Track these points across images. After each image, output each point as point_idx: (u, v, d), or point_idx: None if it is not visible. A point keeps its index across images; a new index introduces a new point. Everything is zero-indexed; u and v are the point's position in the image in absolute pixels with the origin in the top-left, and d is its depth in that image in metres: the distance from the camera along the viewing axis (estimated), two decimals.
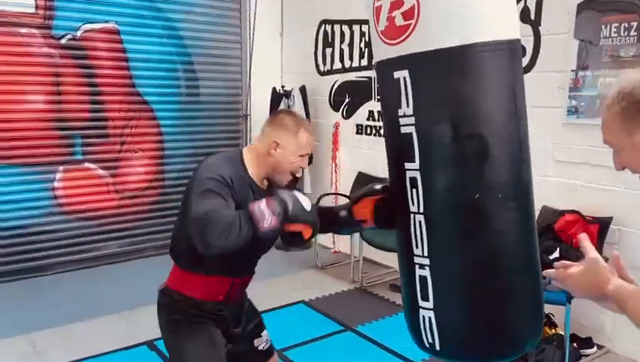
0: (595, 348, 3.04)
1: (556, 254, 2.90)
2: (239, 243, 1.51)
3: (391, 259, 4.21)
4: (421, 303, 1.71)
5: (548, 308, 2.97)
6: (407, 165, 1.68)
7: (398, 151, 1.74)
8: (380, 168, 4.32)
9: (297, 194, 1.64)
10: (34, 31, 4.02)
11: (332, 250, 4.81)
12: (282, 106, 4.72)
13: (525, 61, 3.32)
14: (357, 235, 4.04)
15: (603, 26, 2.96)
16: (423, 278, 1.70)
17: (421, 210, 1.67)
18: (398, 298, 3.76)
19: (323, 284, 4.05)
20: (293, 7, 5.15)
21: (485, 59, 1.59)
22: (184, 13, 4.64)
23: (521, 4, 3.30)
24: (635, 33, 2.83)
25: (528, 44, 3.30)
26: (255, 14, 4.90)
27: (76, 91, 4.24)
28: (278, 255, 4.87)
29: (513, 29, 1.63)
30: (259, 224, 1.49)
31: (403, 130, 1.68)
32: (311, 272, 4.35)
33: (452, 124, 1.62)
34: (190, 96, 4.82)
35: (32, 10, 4.00)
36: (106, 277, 4.19)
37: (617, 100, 1.11)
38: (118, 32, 4.32)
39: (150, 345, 3.08)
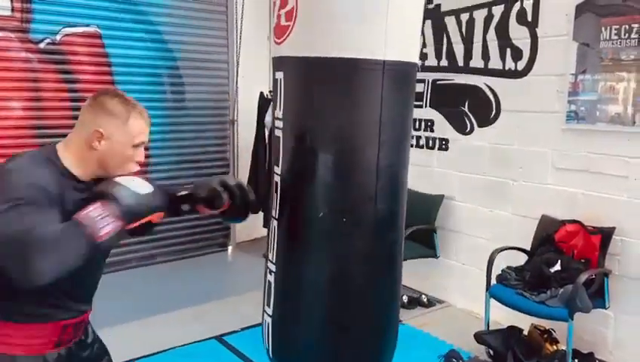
0: None
1: (557, 267, 2.78)
2: (74, 264, 1.16)
3: None
4: (265, 308, 1.72)
5: (549, 324, 2.88)
6: (275, 169, 1.67)
7: (273, 152, 1.72)
8: None
9: (127, 181, 1.31)
10: (10, 35, 3.84)
11: None
12: (270, 111, 4.58)
13: (522, 64, 3.22)
14: None
15: (603, 29, 2.85)
16: (269, 283, 1.70)
17: (276, 216, 1.66)
18: None
19: None
20: None
21: (353, 76, 1.50)
22: (168, 16, 4.49)
23: (518, 5, 3.19)
24: (636, 36, 2.72)
25: (525, 47, 3.19)
26: (242, 18, 4.76)
27: (57, 97, 4.08)
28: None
29: (391, 50, 1.50)
30: (96, 235, 1.17)
31: (276, 132, 1.66)
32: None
33: (308, 137, 1.56)
34: (175, 102, 4.66)
35: (9, 13, 3.82)
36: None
37: None
38: (99, 36, 4.16)
39: None
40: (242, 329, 3.33)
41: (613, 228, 2.84)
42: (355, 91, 1.51)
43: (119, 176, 1.35)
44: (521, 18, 3.19)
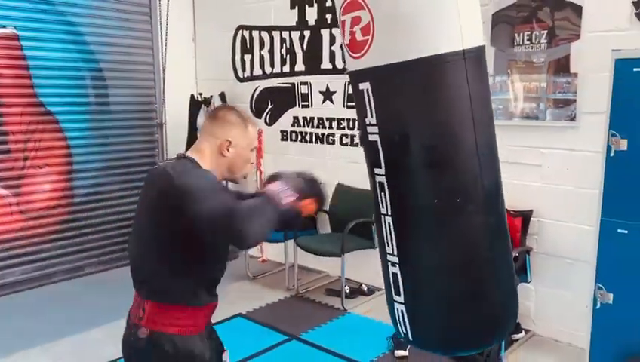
0: (523, 333, 3.29)
1: None
2: (269, 228, 1.44)
3: (324, 264, 4.25)
4: (395, 297, 1.83)
5: None
6: (376, 170, 1.76)
7: (369, 156, 1.80)
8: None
9: (288, 173, 1.67)
10: None
11: (259, 259, 4.73)
12: (202, 114, 4.57)
13: None
14: (290, 243, 4.02)
15: (516, 35, 3.22)
16: (394, 275, 1.81)
17: (389, 213, 1.75)
18: (335, 302, 3.80)
19: (258, 295, 3.98)
20: (205, 13, 5.01)
21: (438, 72, 1.63)
22: (90, 17, 4.33)
23: None
24: (545, 41, 3.11)
25: None
26: (167, 21, 4.69)
27: None
28: None
29: (467, 37, 1.63)
30: (280, 203, 1.47)
31: (370, 137, 1.75)
32: (243, 283, 4.25)
33: (409, 135, 1.68)
34: (100, 106, 4.51)
35: None
36: (10, 308, 3.77)
37: None
38: (17, 38, 3.93)
39: None
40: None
41: (531, 210, 3.23)
42: (443, 85, 1.63)
43: (240, 176, 1.69)
44: None
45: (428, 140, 1.67)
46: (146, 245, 1.57)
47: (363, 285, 3.96)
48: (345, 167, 4.06)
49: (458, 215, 1.72)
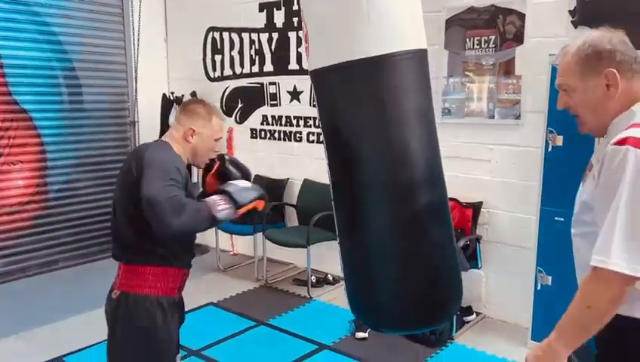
0: (474, 315, 3.55)
1: None
2: (193, 228, 1.71)
3: (291, 256, 4.46)
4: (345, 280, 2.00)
5: None
6: (328, 167, 1.94)
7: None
8: (276, 170, 4.53)
9: (236, 182, 1.86)
10: None
11: (231, 253, 4.90)
12: (174, 112, 4.72)
13: None
14: (259, 236, 4.21)
15: (467, 40, 3.47)
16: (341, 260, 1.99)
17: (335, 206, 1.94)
18: (302, 291, 4.00)
19: (228, 285, 4.15)
20: (177, 14, 5.16)
21: (353, 76, 1.77)
22: (63, 17, 4.44)
23: None
24: (494, 45, 3.37)
25: None
26: (140, 21, 4.82)
27: None
28: None
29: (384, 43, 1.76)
30: (214, 213, 1.68)
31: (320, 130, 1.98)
32: (214, 275, 4.42)
33: (332, 131, 1.89)
34: (73, 104, 4.61)
35: None
36: None
37: (584, 49, 1.33)
38: None
39: None
40: None
41: (481, 202, 3.49)
42: (353, 89, 1.78)
43: (201, 162, 1.91)
44: None
45: (344, 137, 1.83)
46: (118, 206, 1.78)
47: (328, 275, 4.18)
48: (311, 163, 4.27)
49: (375, 208, 1.83)
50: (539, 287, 3.08)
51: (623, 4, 2.76)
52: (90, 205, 4.77)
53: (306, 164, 4.33)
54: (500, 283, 3.52)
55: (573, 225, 1.47)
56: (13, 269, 4.35)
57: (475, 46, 3.45)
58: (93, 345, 3.15)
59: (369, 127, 1.80)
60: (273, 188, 4.42)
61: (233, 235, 4.75)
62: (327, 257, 4.23)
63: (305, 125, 4.36)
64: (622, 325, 1.28)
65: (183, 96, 4.81)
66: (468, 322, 3.49)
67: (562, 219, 2.94)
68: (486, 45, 3.40)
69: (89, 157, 4.74)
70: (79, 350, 3.10)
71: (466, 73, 3.52)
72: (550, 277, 3.03)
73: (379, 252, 1.86)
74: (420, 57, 1.86)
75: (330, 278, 4.15)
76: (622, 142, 1.23)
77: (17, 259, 4.38)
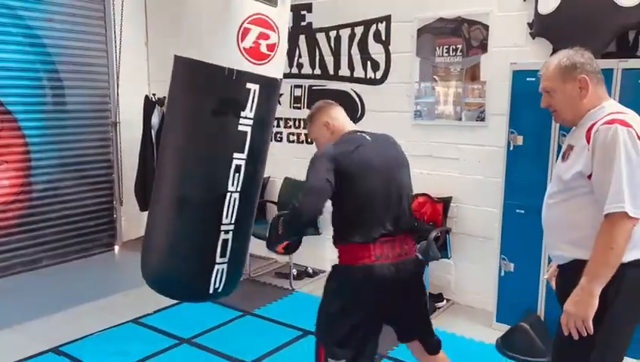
0: (444, 301, 3.84)
1: None
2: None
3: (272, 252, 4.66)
4: (219, 260, 2.20)
5: None
6: (236, 155, 2.14)
7: (229, 142, 2.14)
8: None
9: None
10: None
11: None
12: (157, 113, 4.86)
13: (380, 74, 4.05)
14: None
15: (437, 47, 3.77)
16: (224, 241, 2.20)
17: (237, 190, 2.16)
18: (284, 283, 4.23)
19: None
20: (157, 19, 5.30)
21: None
22: (46, 21, 4.54)
23: (374, 27, 4.00)
24: (461, 53, 3.67)
25: (381, 60, 4.02)
26: (121, 24, 4.96)
27: None
28: None
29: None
30: None
31: (240, 128, 2.14)
32: None
33: (268, 134, 2.27)
34: (56, 105, 4.71)
35: None
36: None
37: (564, 61, 1.78)
38: None
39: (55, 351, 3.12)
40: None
41: (451, 197, 3.78)
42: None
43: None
44: (377, 37, 4.01)
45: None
46: (404, 193, 2.18)
47: (308, 268, 4.42)
48: (291, 162, 4.50)
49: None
50: (502, 274, 3.39)
51: (574, 18, 3.08)
52: (74, 204, 4.87)
53: (286, 162, 4.55)
54: (468, 272, 3.83)
55: (551, 196, 1.85)
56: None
57: (444, 53, 3.74)
58: (89, 335, 3.31)
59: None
60: None
61: None
62: (307, 251, 4.45)
63: (285, 126, 4.58)
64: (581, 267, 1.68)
65: (164, 97, 4.95)
66: (439, 308, 3.77)
67: (523, 212, 3.27)
68: (454, 53, 3.70)
69: (72, 157, 4.85)
70: (75, 340, 3.25)
71: (436, 78, 3.81)
72: (512, 264, 3.35)
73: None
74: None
75: (310, 271, 4.39)
76: (610, 122, 1.65)
77: (2, 258, 4.46)
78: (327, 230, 2.30)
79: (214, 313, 3.67)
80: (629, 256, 1.66)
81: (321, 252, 4.51)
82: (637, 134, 1.63)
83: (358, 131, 2.21)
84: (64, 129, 4.77)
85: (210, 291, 2.24)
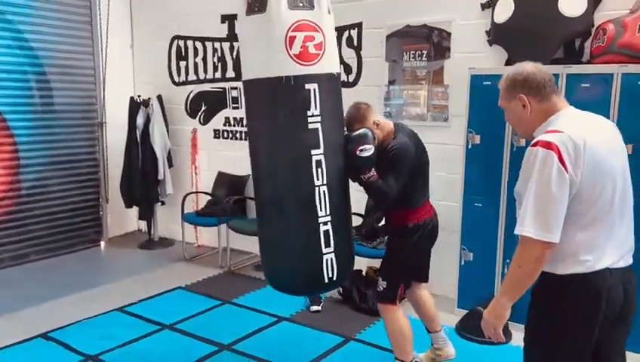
0: None
1: (382, 222, 3.88)
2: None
3: (251, 246, 4.88)
4: (325, 250, 2.41)
5: (378, 263, 3.95)
6: (314, 151, 2.35)
7: (305, 141, 2.34)
8: (238, 167, 4.95)
9: None
10: None
11: (195, 245, 5.29)
12: (141, 114, 5.06)
13: (352, 77, 4.30)
14: (223, 227, 4.63)
15: (404, 52, 4.03)
16: (326, 231, 2.40)
17: (324, 182, 2.37)
18: (261, 274, 4.44)
19: (195, 272, 4.55)
20: (142, 23, 5.51)
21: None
22: (35, 25, 4.73)
23: (347, 33, 4.25)
24: (426, 58, 3.94)
25: (354, 64, 4.27)
26: (108, 28, 5.17)
27: None
28: (146, 254, 5.21)
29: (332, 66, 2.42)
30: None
31: (310, 125, 2.34)
32: (181, 264, 4.81)
33: (339, 125, 2.46)
34: (44, 106, 4.91)
35: None
36: None
37: (505, 80, 1.81)
38: None
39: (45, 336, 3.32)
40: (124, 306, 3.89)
41: None
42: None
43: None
44: (350, 43, 4.26)
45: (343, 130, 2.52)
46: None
47: None
48: None
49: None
50: (463, 263, 3.65)
51: (525, 27, 3.34)
52: (61, 201, 5.07)
53: None
54: (434, 263, 4.07)
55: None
56: None
57: (411, 58, 4.01)
58: (76, 322, 3.52)
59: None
60: (236, 184, 4.87)
61: (198, 227, 5.15)
62: None
63: None
64: (546, 278, 1.72)
65: (149, 98, 5.17)
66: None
67: (480, 205, 3.54)
68: (420, 58, 3.97)
69: (60, 156, 5.04)
70: (62, 327, 3.45)
71: (404, 81, 4.07)
72: (472, 254, 3.61)
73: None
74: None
75: None
76: (535, 144, 1.65)
77: None
78: None
79: (195, 303, 3.89)
80: (563, 270, 1.69)
81: None
82: (559, 157, 1.60)
83: (396, 123, 2.78)
84: (52, 129, 4.97)
85: (326, 281, 2.44)
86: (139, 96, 5.23)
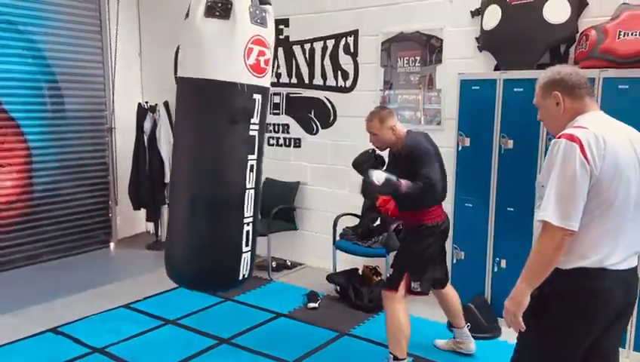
0: None
1: (378, 222, 4.02)
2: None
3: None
4: (244, 249, 2.57)
5: (374, 262, 4.10)
6: (250, 156, 2.54)
7: (244, 146, 2.51)
8: None
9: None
10: None
11: None
12: (149, 119, 5.25)
13: (349, 83, 4.46)
14: None
15: (399, 58, 4.17)
16: (247, 232, 2.58)
17: (252, 186, 2.57)
18: (264, 274, 4.60)
19: None
20: (150, 32, 5.72)
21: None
22: (47, 35, 4.95)
23: (344, 40, 4.41)
24: (419, 64, 4.07)
25: (350, 70, 4.42)
26: (116, 37, 5.38)
27: None
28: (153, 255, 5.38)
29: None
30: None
31: (251, 132, 2.53)
32: None
33: (264, 135, 2.63)
34: (56, 112, 5.11)
35: None
36: None
37: (543, 78, 1.88)
38: None
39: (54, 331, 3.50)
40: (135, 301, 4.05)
41: None
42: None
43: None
44: (347, 49, 4.42)
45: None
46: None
47: (287, 261, 4.80)
48: (270, 164, 4.88)
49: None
50: (455, 261, 3.77)
51: (512, 34, 3.47)
52: (72, 203, 5.27)
53: (265, 164, 4.89)
54: None
55: (535, 210, 1.90)
56: (0, 261, 4.81)
57: (405, 64, 4.15)
58: (84, 317, 3.70)
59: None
60: None
61: None
62: (286, 245, 4.86)
63: (265, 131, 4.97)
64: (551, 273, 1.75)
65: (156, 104, 5.36)
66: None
67: (471, 205, 3.66)
68: (413, 63, 4.11)
69: (71, 160, 5.24)
70: (71, 322, 3.63)
71: (398, 86, 4.21)
72: (463, 253, 3.73)
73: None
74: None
75: (289, 264, 4.78)
76: (559, 137, 1.73)
77: (5, 253, 4.84)
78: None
79: (198, 300, 4.04)
80: (567, 264, 1.73)
81: (298, 246, 4.91)
82: (582, 149, 1.66)
83: (409, 130, 3.02)
84: (63, 134, 5.17)
85: (240, 278, 2.59)
86: (146, 102, 5.42)
